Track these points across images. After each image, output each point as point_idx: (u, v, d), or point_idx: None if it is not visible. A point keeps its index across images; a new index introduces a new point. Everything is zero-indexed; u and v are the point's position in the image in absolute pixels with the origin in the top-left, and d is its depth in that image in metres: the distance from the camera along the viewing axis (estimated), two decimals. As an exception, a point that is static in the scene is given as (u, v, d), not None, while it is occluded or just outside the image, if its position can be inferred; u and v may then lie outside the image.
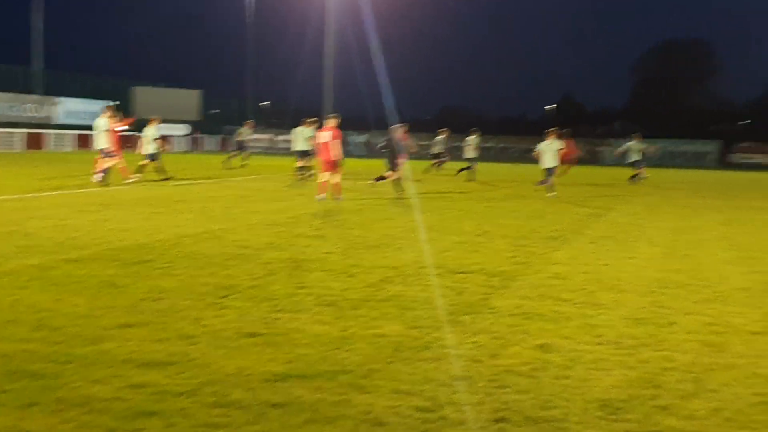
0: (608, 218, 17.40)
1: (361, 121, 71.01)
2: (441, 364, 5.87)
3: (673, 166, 54.98)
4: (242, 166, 35.28)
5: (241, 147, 37.82)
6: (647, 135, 42.11)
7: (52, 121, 57.25)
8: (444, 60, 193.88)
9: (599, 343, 6.62)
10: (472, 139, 33.04)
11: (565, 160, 29.15)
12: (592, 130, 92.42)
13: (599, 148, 60.44)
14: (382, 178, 22.54)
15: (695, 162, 60.67)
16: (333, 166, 19.50)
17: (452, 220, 15.94)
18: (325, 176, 19.64)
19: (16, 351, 5.86)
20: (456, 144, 38.31)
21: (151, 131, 25.94)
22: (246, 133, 38.33)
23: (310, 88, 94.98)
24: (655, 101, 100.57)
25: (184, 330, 6.64)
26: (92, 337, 6.33)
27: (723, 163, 61.60)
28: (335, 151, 19.51)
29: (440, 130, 37.25)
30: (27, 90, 57.88)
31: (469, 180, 30.52)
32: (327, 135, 19.79)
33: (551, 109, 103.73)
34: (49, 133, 54.21)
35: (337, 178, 19.59)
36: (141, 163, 25.33)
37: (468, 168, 32.15)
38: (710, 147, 64.96)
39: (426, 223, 15.14)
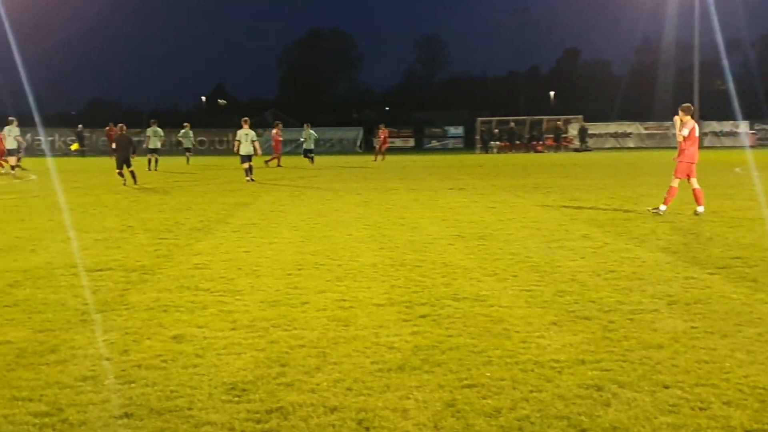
0: (254, 206, 17.73)
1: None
2: (67, 367, 5.67)
3: (319, 153, 57.11)
4: None
5: None
6: (297, 125, 43.58)
7: None
8: (90, 51, 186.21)
9: (233, 329, 6.74)
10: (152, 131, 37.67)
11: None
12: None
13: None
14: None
15: (340, 148, 63.60)
16: None
17: (94, 218, 15.39)
18: None
19: None
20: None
21: None
22: None
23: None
24: (302, 91, 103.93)
25: None
26: None
27: (367, 147, 65.15)
28: None
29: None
30: None
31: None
32: None
33: (204, 101, 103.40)
34: None
35: None
36: None
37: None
38: (354, 134, 68.43)
39: (66, 221, 14.49)
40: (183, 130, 43.78)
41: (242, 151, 27.65)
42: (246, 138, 27.82)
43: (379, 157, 45.34)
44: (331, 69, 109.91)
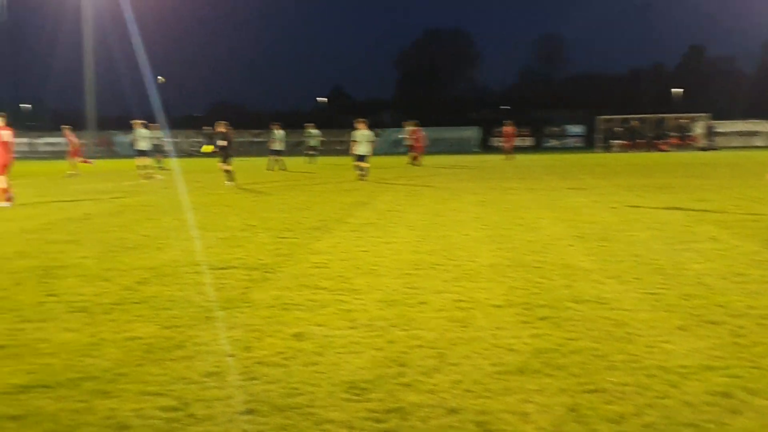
0: (371, 205, 17.86)
1: (126, 120, 68.81)
2: (193, 362, 5.82)
3: (438, 153, 57.22)
4: None
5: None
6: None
7: None
8: (212, 57, 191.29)
9: (352, 327, 6.79)
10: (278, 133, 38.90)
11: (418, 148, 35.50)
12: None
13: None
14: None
15: (458, 148, 63.42)
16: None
17: (218, 217, 15.80)
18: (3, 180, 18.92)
19: None
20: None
21: None
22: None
23: (71, 90, 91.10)
24: (419, 91, 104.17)
25: None
26: None
27: (485, 147, 64.82)
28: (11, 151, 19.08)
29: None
30: None
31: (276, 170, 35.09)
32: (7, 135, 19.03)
33: (323, 102, 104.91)
34: None
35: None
36: None
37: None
38: (471, 133, 68.14)
39: (191, 221, 14.93)
40: (308, 131, 44.81)
41: (358, 151, 28.04)
42: (363, 138, 28.21)
43: (508, 157, 45.06)
44: (447, 68, 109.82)
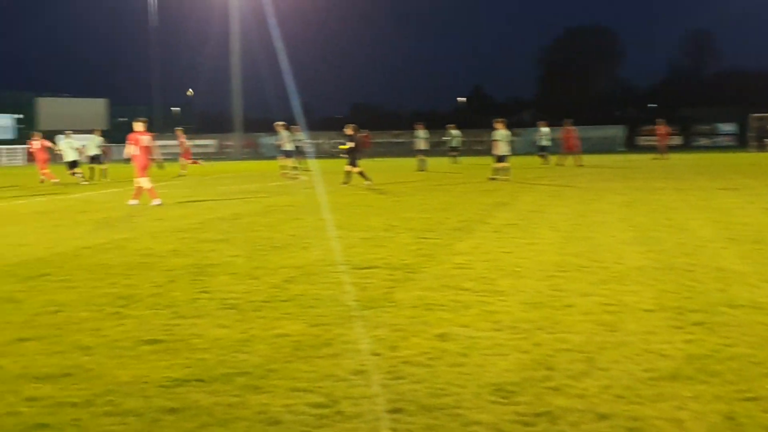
0: (513, 206, 17.69)
1: (269, 122, 70.73)
2: (340, 360, 5.91)
3: (581, 152, 56.11)
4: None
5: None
6: (556, 123, 43.25)
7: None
8: (352, 57, 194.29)
9: (496, 329, 6.74)
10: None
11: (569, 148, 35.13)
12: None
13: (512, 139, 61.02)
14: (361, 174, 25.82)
15: (602, 147, 62.01)
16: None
17: (360, 217, 16.01)
18: (146, 181, 20.04)
19: None
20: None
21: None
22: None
23: (216, 92, 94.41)
24: (562, 90, 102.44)
25: (81, 341, 6.54)
26: (-17, 355, 6.19)
27: (630, 146, 63.21)
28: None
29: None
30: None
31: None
32: (147, 139, 20.27)
33: (462, 102, 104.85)
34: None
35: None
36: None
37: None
38: (616, 132, 66.55)
39: (334, 221, 15.19)
40: (449, 131, 44.94)
41: (499, 152, 28.13)
42: (503, 138, 28.27)
43: (660, 156, 43.80)
44: (591, 66, 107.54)
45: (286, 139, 33.63)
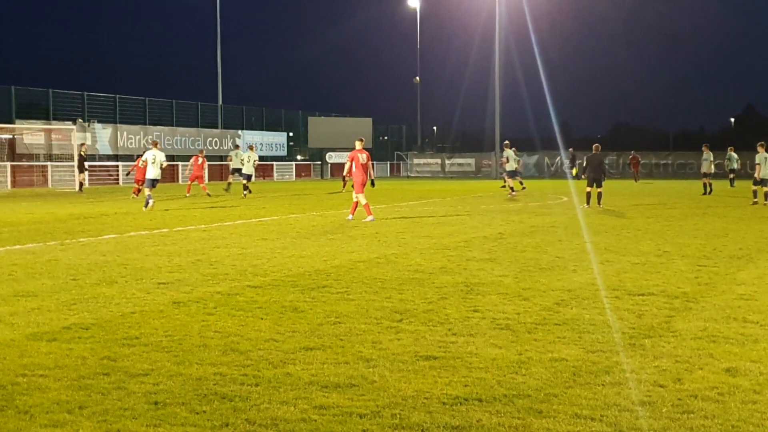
0: (797, 235, 16.48)
1: (528, 142, 70.83)
2: (622, 389, 5.73)
3: None
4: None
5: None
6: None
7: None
8: (615, 75, 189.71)
9: (795, 367, 6.29)
10: None
11: None
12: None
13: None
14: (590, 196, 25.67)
15: None
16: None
17: (628, 241, 15.53)
18: (362, 197, 20.75)
19: (208, 374, 6.16)
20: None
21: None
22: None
23: (474, 111, 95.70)
24: None
25: (363, 353, 6.79)
26: (277, 360, 6.57)
27: None
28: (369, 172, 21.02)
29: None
30: (207, 125, 60.74)
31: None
32: (365, 157, 21.01)
33: (729, 122, 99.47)
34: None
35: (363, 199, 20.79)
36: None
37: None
38: None
39: (600, 244, 14.85)
40: (729, 153, 42.58)
41: (760, 175, 26.77)
42: (765, 162, 26.56)
43: None
44: None
45: (510, 159, 34.01)
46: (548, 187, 41.63)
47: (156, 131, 53.37)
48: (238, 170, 35.38)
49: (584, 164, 26.67)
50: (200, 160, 35.10)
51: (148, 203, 24.44)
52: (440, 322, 8.08)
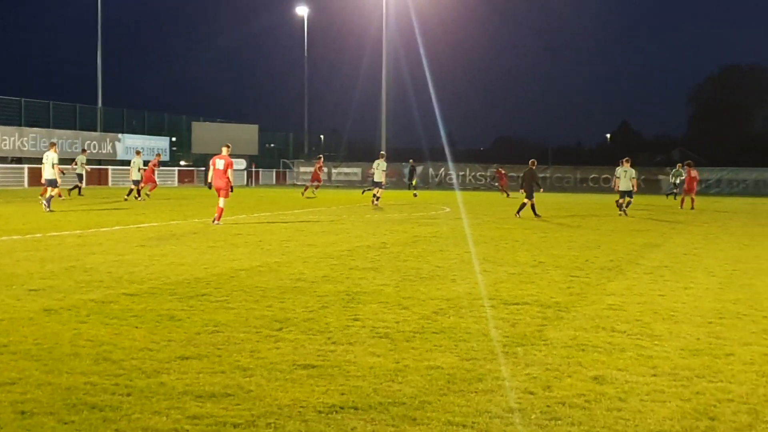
0: (664, 248, 17.21)
1: (414, 152, 71.59)
2: (494, 396, 5.89)
3: (733, 194, 54.23)
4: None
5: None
6: (705, 164, 41.90)
7: (115, 157, 58.55)
8: (499, 91, 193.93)
9: (654, 375, 6.58)
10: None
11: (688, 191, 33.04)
12: (651, 158, 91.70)
13: (657, 177, 59.39)
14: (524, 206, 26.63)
15: (756, 190, 59.50)
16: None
17: (507, 251, 15.91)
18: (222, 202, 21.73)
19: (78, 384, 6.02)
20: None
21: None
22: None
23: (364, 120, 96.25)
24: (713, 129, 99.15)
25: (240, 362, 6.76)
26: (150, 370, 6.47)
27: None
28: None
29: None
30: (87, 127, 59.02)
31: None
32: (222, 163, 22.02)
33: (604, 138, 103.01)
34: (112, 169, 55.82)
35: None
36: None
37: None
38: (771, 174, 63.73)
39: (480, 254, 15.16)
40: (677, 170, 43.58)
41: (621, 187, 29.62)
42: (624, 175, 29.44)
43: None
44: (746, 106, 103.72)
45: (376, 169, 34.80)
46: (433, 198, 42.18)
47: (32, 133, 51.63)
48: (80, 176, 36.62)
49: (520, 178, 27.89)
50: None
51: (46, 204, 25.48)
52: (320, 330, 8.11)
